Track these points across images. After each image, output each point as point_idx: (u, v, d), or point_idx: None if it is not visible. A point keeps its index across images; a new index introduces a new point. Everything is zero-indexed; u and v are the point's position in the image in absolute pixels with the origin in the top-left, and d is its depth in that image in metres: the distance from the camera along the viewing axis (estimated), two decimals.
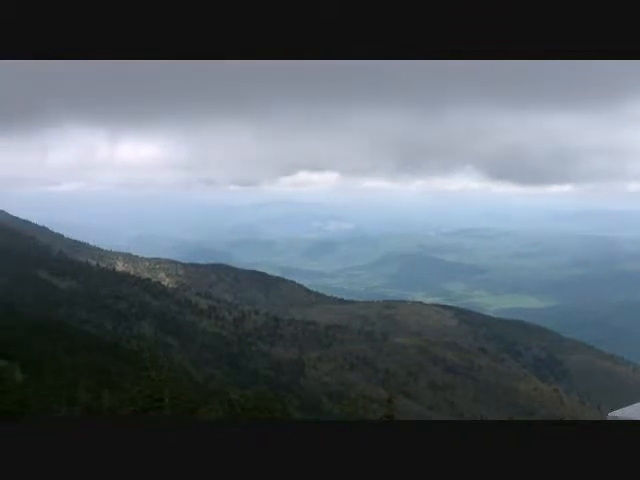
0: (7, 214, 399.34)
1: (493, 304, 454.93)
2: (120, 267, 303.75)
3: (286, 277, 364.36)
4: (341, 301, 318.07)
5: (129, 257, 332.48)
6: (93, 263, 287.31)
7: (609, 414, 7.70)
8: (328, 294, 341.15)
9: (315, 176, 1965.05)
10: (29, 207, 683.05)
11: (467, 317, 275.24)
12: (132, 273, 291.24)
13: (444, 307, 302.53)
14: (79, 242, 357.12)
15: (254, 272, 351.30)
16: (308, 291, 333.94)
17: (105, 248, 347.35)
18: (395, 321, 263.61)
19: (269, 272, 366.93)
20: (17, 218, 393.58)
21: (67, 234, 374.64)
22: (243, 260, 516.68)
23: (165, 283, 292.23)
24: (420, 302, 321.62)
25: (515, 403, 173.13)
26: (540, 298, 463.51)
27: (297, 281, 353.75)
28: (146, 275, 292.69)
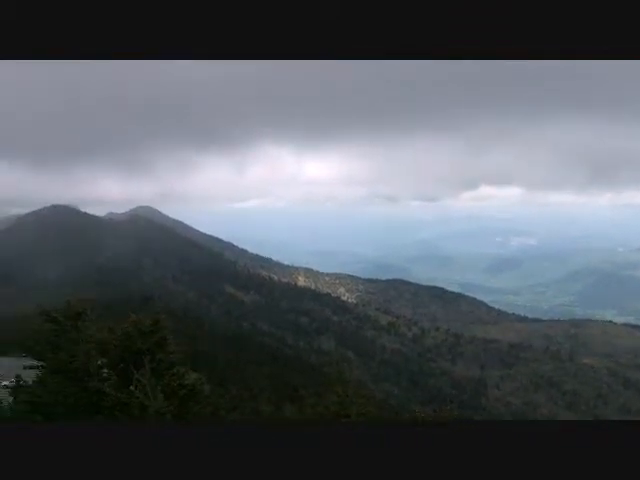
0: (197, 231, 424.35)
1: None
2: (301, 282, 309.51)
3: (466, 293, 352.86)
4: (525, 319, 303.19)
5: (310, 272, 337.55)
6: (275, 278, 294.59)
7: None
8: (510, 312, 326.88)
9: (498, 190, 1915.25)
10: (218, 224, 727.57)
11: None
12: (313, 288, 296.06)
13: (636, 327, 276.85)
14: (262, 257, 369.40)
15: (433, 288, 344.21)
16: (489, 308, 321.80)
17: (287, 263, 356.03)
18: (583, 341, 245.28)
19: (449, 288, 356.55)
20: (206, 235, 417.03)
21: (252, 250, 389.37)
22: (422, 276, 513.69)
23: (345, 298, 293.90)
24: (610, 321, 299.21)
25: None
26: None
27: (478, 298, 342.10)
28: (326, 290, 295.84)
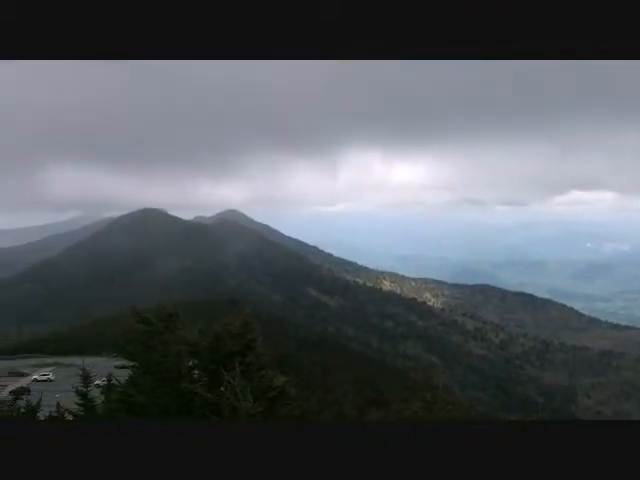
0: (283, 235, 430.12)
1: None
2: (386, 286, 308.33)
3: (555, 299, 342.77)
4: (617, 326, 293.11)
5: (395, 276, 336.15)
6: (360, 282, 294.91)
7: None
8: (602, 319, 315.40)
9: (589, 195, 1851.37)
10: (304, 227, 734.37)
11: None
12: (398, 292, 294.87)
13: None
14: (347, 261, 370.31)
15: (521, 294, 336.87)
16: (580, 315, 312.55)
17: (372, 267, 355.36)
18: None
19: (537, 294, 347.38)
20: (292, 238, 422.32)
21: (337, 253, 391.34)
22: (510, 281, 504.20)
23: (431, 303, 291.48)
24: None
25: None
26: None
27: (567, 304, 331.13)
28: (412, 295, 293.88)
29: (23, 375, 77.27)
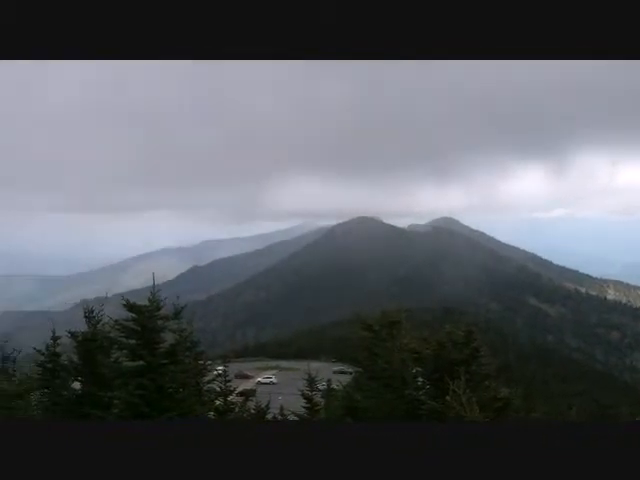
0: (499, 242, 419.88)
1: None
2: (611, 295, 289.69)
3: None
4: None
5: (621, 285, 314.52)
6: (582, 290, 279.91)
7: None
8: None
9: None
10: (521, 234, 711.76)
11: None
12: (624, 302, 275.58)
13: None
14: (569, 269, 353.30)
15: None
16: None
17: (595, 275, 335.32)
18: None
19: None
20: (509, 245, 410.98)
21: (556, 261, 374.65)
22: None
23: None
24: None
25: None
26: None
27: None
28: None
29: (248, 377, 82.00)
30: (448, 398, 9.74)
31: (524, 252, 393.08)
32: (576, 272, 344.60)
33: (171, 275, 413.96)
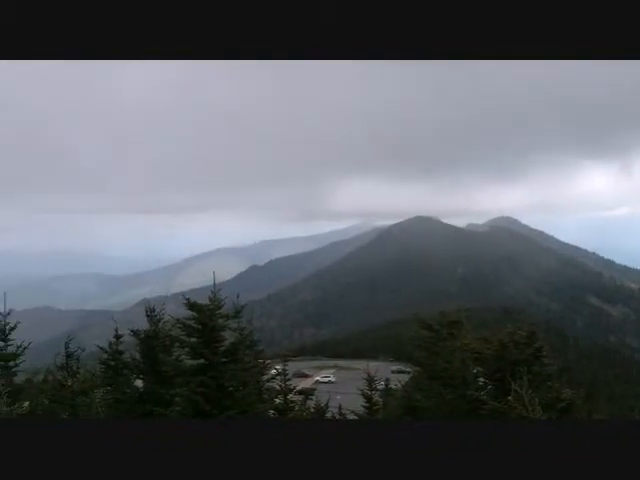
0: (559, 241, 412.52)
1: None
2: None
3: None
4: None
5: None
6: None
7: None
8: None
9: None
10: (582, 233, 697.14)
11: None
12: None
13: None
14: (631, 268, 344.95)
15: None
16: None
17: None
18: None
19: None
20: (569, 245, 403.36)
21: (619, 260, 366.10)
22: None
23: None
24: None
25: None
26: None
27: None
28: None
29: (307, 376, 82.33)
30: (510, 398, 9.61)
31: (585, 251, 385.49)
32: (639, 271, 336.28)
33: (230, 274, 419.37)
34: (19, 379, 15.73)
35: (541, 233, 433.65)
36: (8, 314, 15.33)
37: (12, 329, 15.24)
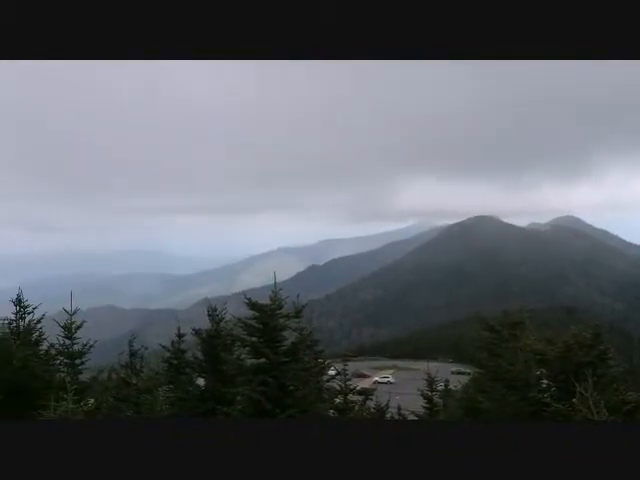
0: (624, 241, 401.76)
1: None
2: None
3: None
4: None
5: None
6: None
7: None
8: None
9: None
10: None
11: None
12: None
13: None
14: None
15: None
16: None
17: None
18: None
19: None
20: (632, 244, 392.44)
21: None
22: None
23: None
24: None
25: None
26: None
27: None
28: None
29: (366, 377, 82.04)
30: (575, 401, 9.41)
31: None
32: None
33: (290, 274, 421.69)
34: (84, 377, 16.05)
35: (605, 232, 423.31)
36: (74, 313, 15.66)
37: (78, 328, 15.56)
